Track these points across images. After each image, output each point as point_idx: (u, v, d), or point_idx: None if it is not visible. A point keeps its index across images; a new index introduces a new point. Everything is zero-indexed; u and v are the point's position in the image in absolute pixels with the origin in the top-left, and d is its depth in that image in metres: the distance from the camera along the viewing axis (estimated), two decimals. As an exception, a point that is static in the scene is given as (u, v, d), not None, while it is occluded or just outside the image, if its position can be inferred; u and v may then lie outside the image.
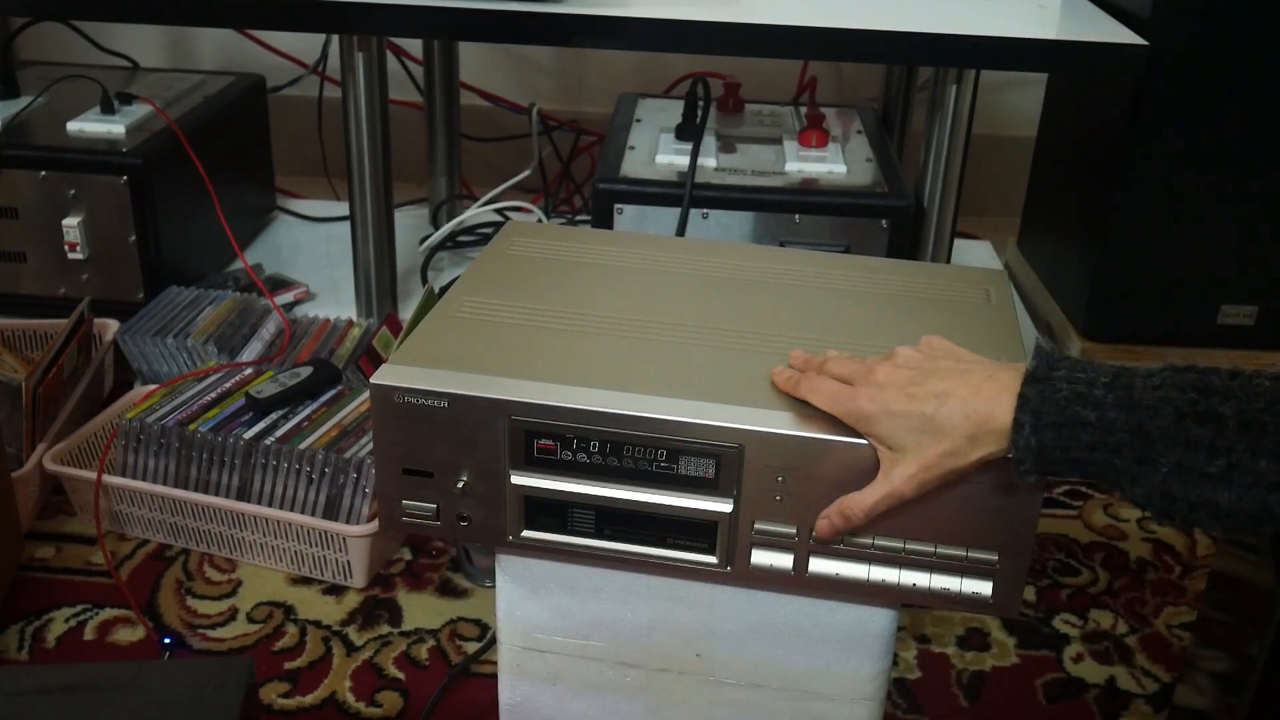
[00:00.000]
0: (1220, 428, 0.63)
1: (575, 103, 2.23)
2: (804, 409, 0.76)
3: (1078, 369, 0.68)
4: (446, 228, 1.81)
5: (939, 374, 0.72)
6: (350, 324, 1.53)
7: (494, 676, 0.93)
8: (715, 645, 0.86)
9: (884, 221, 1.44)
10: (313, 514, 1.24)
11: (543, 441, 0.78)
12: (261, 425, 1.29)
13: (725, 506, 0.77)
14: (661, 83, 2.06)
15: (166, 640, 1.17)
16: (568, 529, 0.80)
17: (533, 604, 0.88)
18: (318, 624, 1.21)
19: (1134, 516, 1.40)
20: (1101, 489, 0.72)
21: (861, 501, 0.74)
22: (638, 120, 1.69)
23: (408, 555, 1.31)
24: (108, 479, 1.28)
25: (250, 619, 1.22)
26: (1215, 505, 0.64)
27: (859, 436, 0.74)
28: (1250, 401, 0.63)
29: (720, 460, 0.76)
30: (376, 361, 1.47)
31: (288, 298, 1.67)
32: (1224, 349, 1.56)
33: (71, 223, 1.52)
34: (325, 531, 1.23)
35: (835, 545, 0.77)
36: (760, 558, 0.78)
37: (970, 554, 0.75)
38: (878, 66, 1.98)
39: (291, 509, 1.25)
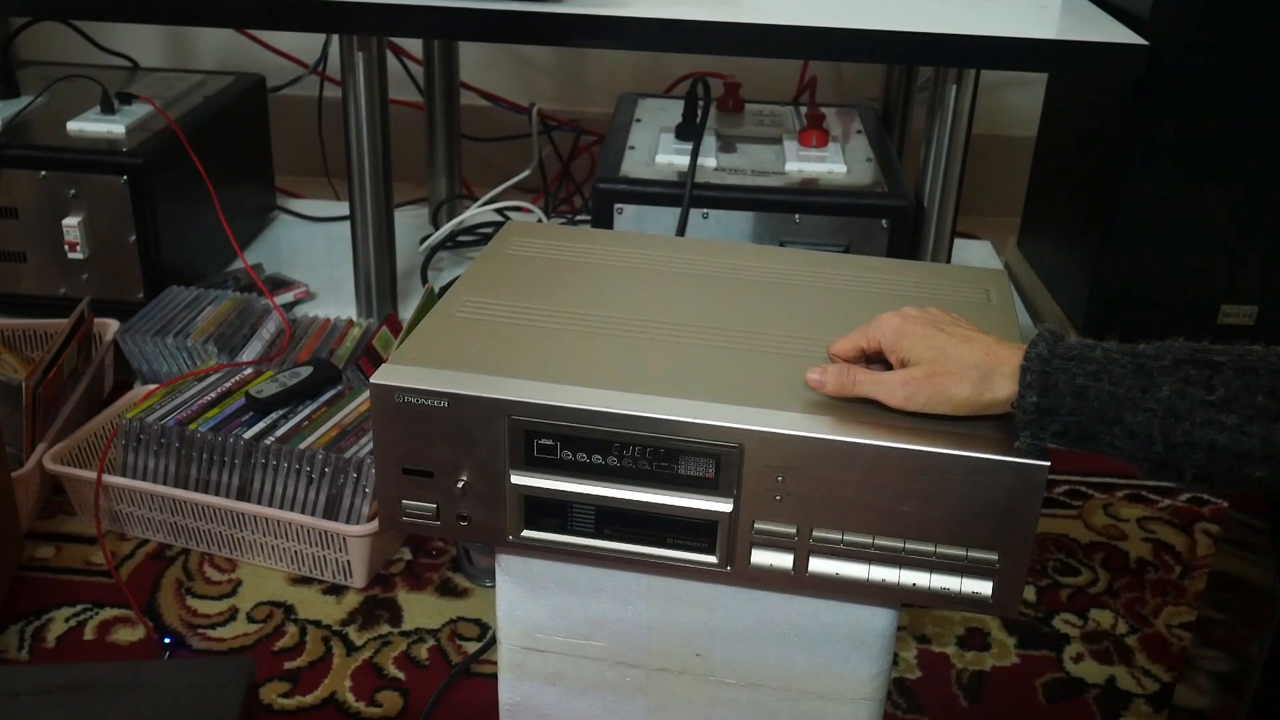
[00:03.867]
0: (1216, 370, 0.69)
1: (575, 103, 2.23)
2: (804, 409, 0.76)
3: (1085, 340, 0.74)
4: (446, 228, 1.81)
5: (964, 324, 0.79)
6: (350, 324, 1.53)
7: (494, 676, 0.93)
8: (715, 645, 0.86)
9: (884, 221, 1.44)
10: (313, 514, 1.24)
11: (543, 441, 0.78)
12: (261, 425, 1.29)
13: (725, 506, 0.77)
14: (661, 83, 2.06)
15: (166, 640, 1.17)
16: (568, 529, 0.80)
17: (533, 604, 0.88)
18: (318, 624, 1.21)
19: (1134, 516, 1.41)
20: (1097, 442, 0.72)
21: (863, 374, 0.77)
22: (638, 120, 1.69)
23: (408, 555, 1.31)
24: (108, 479, 1.28)
25: (250, 619, 1.22)
26: (1220, 425, 0.67)
27: (859, 436, 0.74)
28: (1243, 357, 0.69)
29: (720, 460, 0.76)
30: (376, 361, 1.47)
31: (288, 298, 1.67)
32: (1224, 349, 1.56)
33: (71, 223, 1.52)
34: (325, 531, 1.23)
35: (835, 545, 0.77)
36: (760, 558, 0.78)
37: (970, 554, 0.75)
38: (878, 66, 1.98)
39: (291, 509, 1.25)
